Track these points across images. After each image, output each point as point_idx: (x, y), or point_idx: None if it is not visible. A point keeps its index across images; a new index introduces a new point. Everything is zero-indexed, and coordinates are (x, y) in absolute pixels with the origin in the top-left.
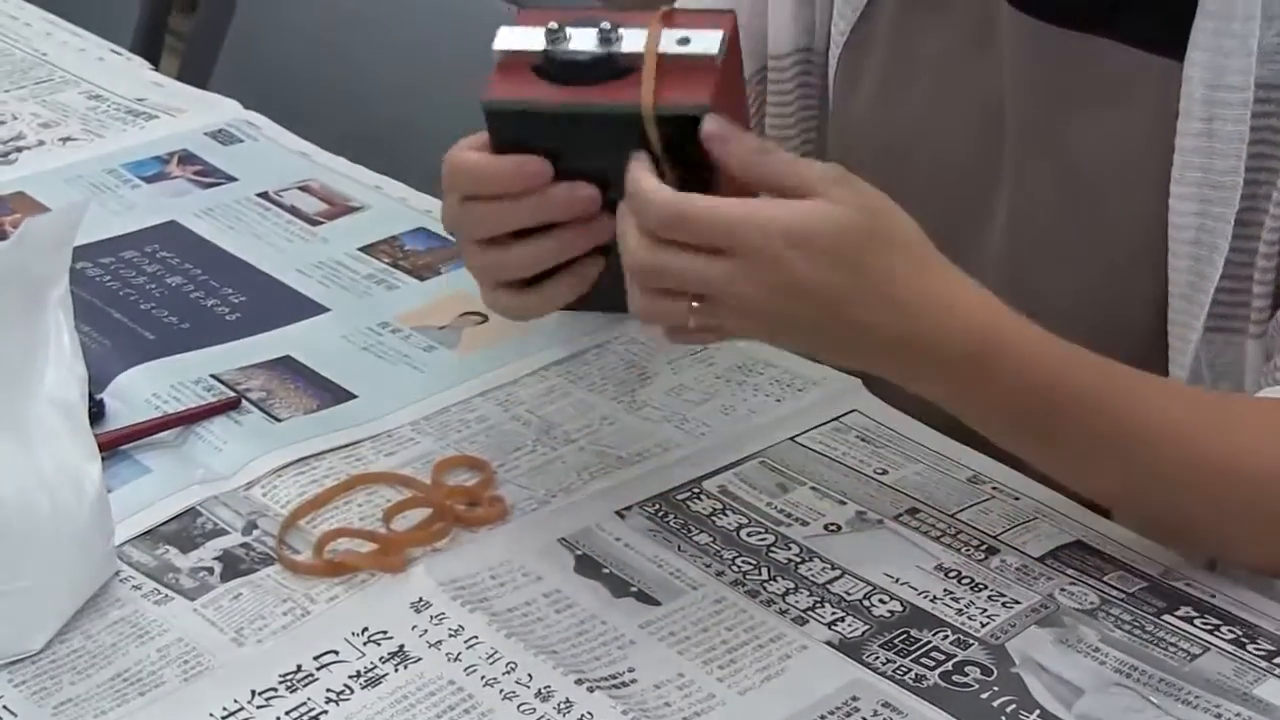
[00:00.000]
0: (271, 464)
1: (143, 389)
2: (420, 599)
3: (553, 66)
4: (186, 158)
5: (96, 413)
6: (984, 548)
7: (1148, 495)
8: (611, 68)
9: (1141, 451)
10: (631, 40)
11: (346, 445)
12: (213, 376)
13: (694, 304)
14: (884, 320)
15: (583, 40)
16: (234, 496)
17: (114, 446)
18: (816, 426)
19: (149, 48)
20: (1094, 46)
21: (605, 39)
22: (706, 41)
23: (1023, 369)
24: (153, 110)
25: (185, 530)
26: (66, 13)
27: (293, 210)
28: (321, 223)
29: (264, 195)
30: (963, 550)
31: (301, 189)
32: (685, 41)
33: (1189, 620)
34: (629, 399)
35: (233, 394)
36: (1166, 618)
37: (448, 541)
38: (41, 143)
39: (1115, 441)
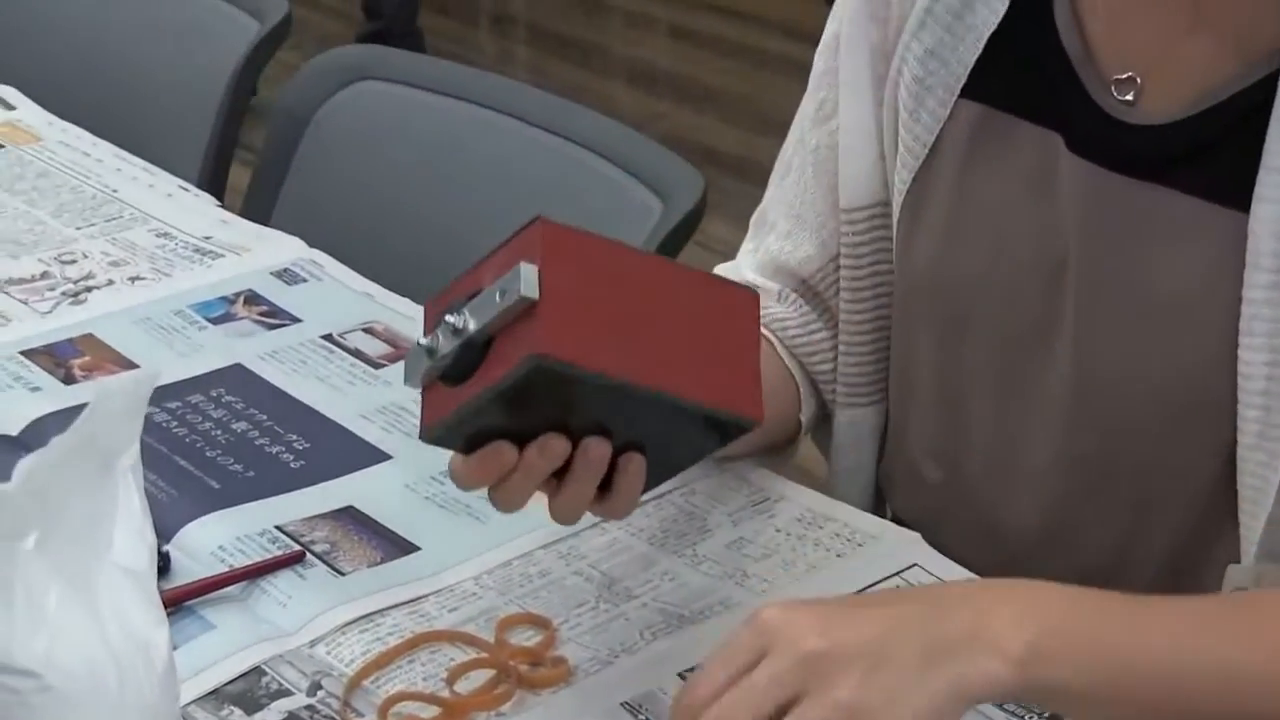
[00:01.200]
0: (336, 620)
1: (208, 541)
2: None
3: (444, 378)
4: (252, 298)
5: (162, 567)
6: (1046, 715)
7: None
8: (473, 357)
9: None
10: (477, 314)
11: (410, 600)
12: (277, 528)
13: None
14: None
15: (446, 341)
16: (299, 654)
17: (179, 602)
18: (878, 582)
19: (215, 176)
20: (1157, 195)
21: (456, 331)
22: (520, 284)
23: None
24: (219, 249)
25: (250, 690)
26: (138, 145)
27: (356, 353)
28: (384, 365)
29: (328, 337)
30: (1026, 717)
31: (365, 330)
32: (503, 294)
33: None
34: (690, 553)
35: (297, 547)
36: None
37: (511, 705)
38: (111, 282)
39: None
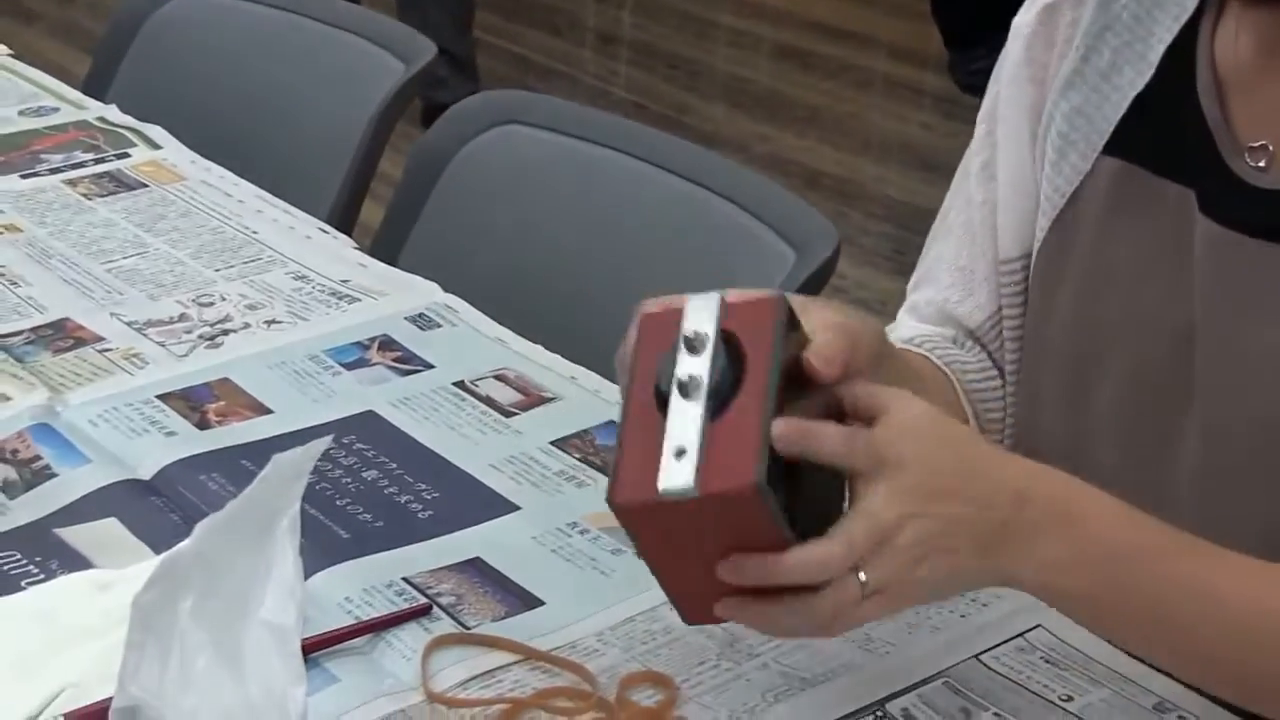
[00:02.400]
0: (460, 676)
1: (336, 592)
2: None
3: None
4: (386, 343)
5: None
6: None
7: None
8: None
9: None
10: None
11: (533, 657)
12: (404, 579)
13: (860, 575)
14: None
15: (689, 363)
16: (420, 710)
17: (306, 654)
18: (1001, 644)
19: (347, 213)
20: None
21: (693, 350)
22: (680, 478)
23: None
24: (355, 293)
25: None
26: (280, 185)
27: (487, 400)
28: (515, 414)
29: (460, 384)
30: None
31: (497, 378)
32: (681, 453)
33: None
34: None
35: (424, 599)
36: None
37: None
38: (247, 325)
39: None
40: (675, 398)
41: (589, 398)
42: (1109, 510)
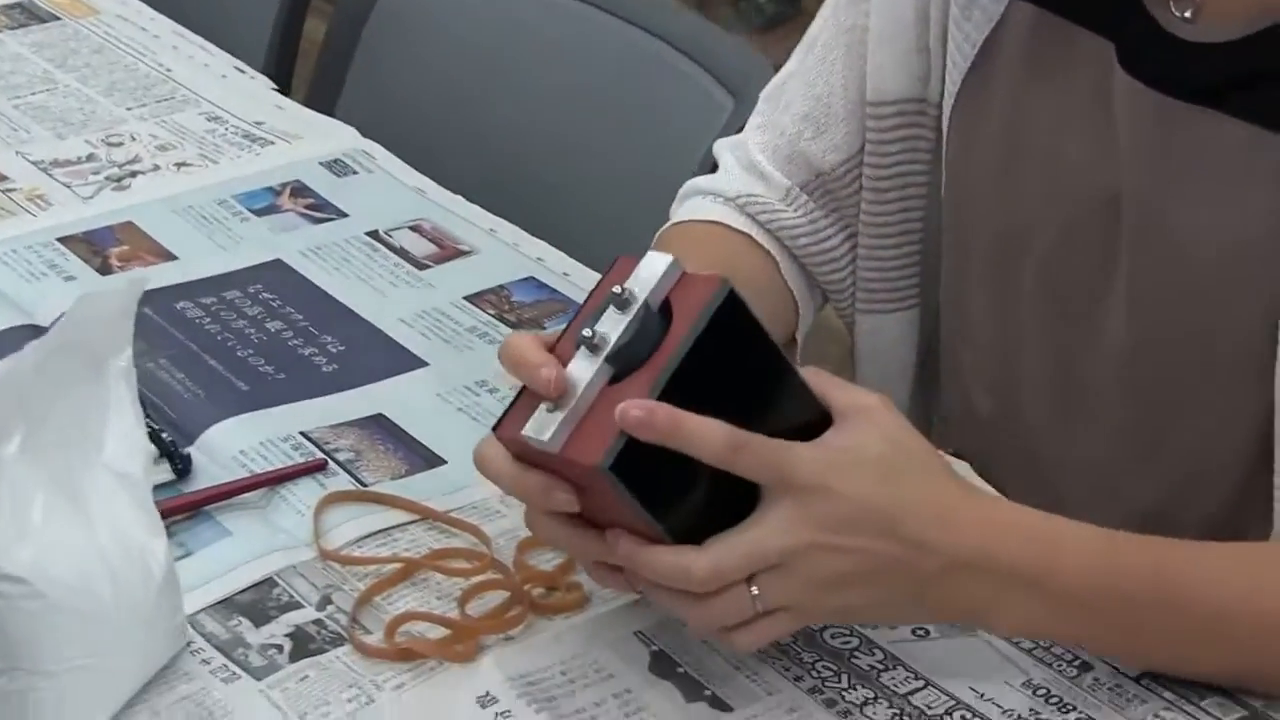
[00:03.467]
0: (353, 534)
1: (232, 444)
2: (487, 693)
3: (616, 368)
4: (299, 189)
5: (183, 469)
6: (1077, 663)
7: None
8: (652, 330)
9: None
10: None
11: (431, 516)
12: (302, 434)
13: (753, 589)
14: (942, 538)
15: (610, 325)
16: (312, 567)
17: (197, 507)
18: None
19: (280, 65)
20: (1214, 122)
21: (619, 310)
22: (542, 429)
23: (1086, 566)
24: (269, 135)
25: (260, 601)
26: (202, 25)
27: (401, 252)
28: (429, 266)
29: (373, 234)
30: (1055, 665)
31: (412, 229)
32: (553, 407)
33: None
34: None
35: (321, 455)
36: None
37: (522, 629)
38: (156, 167)
39: (1186, 614)
40: (581, 350)
41: (507, 252)
42: (1081, 558)
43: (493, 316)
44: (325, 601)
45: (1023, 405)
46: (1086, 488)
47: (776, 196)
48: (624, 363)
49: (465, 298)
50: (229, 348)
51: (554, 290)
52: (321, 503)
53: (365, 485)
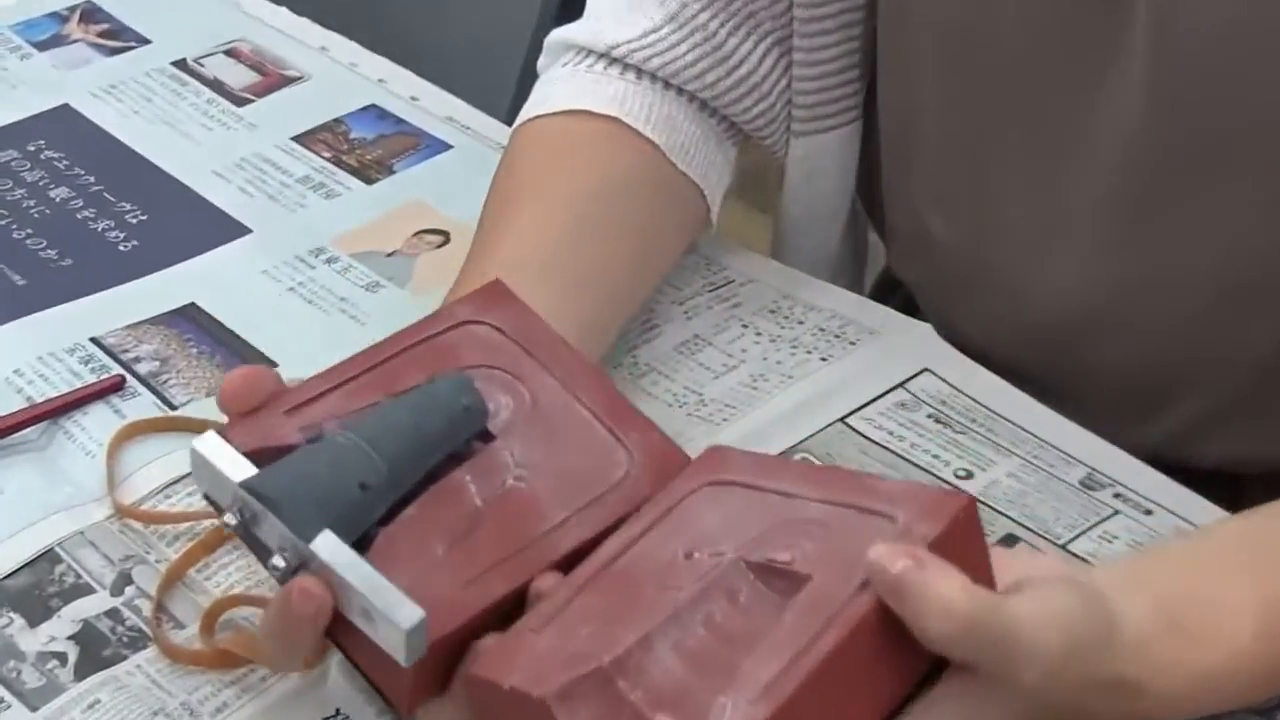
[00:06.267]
0: (160, 478)
1: (2, 363)
2: (337, 711)
3: None
4: (90, 12)
5: None
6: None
7: None
8: None
9: None
10: None
11: None
12: (93, 340)
13: None
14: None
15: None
16: (105, 531)
17: None
18: (875, 400)
19: None
20: None
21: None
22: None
23: None
24: None
25: (38, 585)
26: None
27: (215, 85)
28: (250, 101)
29: (180, 64)
30: None
31: (228, 54)
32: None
33: None
34: (630, 361)
35: (117, 369)
36: None
37: None
38: None
39: None
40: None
41: (343, 74)
42: (1221, 650)
43: (328, 160)
44: (124, 581)
45: (991, 227)
46: (1076, 334)
47: (664, 28)
48: None
49: (293, 138)
50: (3, 227)
51: (400, 119)
52: (117, 437)
53: (175, 408)
